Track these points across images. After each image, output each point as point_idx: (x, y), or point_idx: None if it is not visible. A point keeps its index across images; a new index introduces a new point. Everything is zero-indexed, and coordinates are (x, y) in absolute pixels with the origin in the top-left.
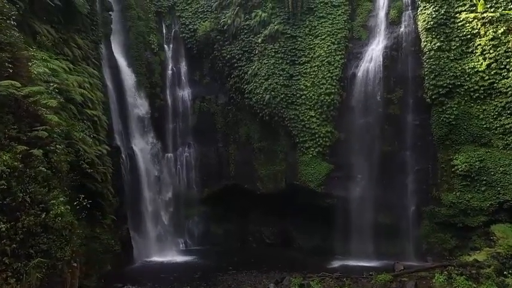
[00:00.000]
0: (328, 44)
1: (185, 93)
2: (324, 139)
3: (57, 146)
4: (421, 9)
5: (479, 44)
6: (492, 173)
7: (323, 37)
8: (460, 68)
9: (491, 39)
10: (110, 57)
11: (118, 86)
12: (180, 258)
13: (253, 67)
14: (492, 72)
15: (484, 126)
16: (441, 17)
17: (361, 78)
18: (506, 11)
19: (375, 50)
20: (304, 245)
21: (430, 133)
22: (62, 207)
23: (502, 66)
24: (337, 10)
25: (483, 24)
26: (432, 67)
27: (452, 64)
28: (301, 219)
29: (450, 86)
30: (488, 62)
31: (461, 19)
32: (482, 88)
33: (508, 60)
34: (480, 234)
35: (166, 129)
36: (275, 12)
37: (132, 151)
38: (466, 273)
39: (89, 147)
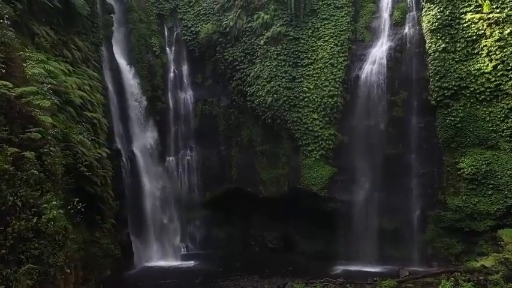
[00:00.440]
0: (331, 45)
1: (187, 95)
2: (327, 142)
3: (51, 148)
4: (426, 10)
5: (485, 45)
6: (499, 176)
7: (326, 39)
8: (465, 70)
9: (498, 40)
10: (111, 60)
11: (119, 89)
12: (181, 263)
13: (256, 69)
14: (498, 74)
15: (491, 128)
16: (446, 18)
17: (364, 80)
18: None
19: (379, 52)
20: (307, 249)
21: (435, 136)
22: (55, 211)
23: (509, 68)
24: (340, 12)
25: (489, 25)
26: (437, 69)
27: (457, 65)
28: (304, 223)
29: (455, 88)
30: (495, 64)
31: (466, 20)
32: (488, 90)
33: None
34: (487, 239)
35: (167, 132)
36: (277, 14)
37: (133, 154)
38: (473, 279)
39: (87, 150)
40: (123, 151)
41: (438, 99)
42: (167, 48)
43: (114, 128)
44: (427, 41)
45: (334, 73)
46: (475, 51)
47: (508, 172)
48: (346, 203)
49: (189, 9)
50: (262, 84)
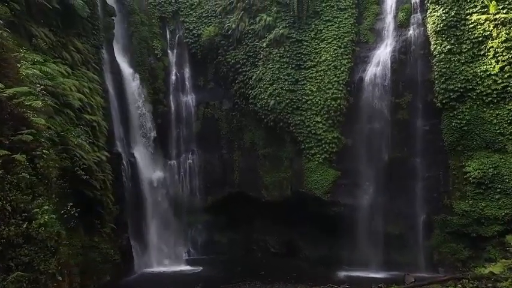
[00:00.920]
0: (335, 47)
1: (189, 98)
2: (331, 145)
3: (45, 150)
4: (430, 12)
5: (492, 47)
6: (507, 180)
7: (329, 41)
8: (471, 71)
9: (504, 41)
10: (112, 63)
11: (120, 92)
12: (182, 268)
13: (258, 72)
14: (506, 76)
15: (498, 131)
16: (451, 19)
17: (368, 82)
18: None
19: (383, 54)
20: (310, 254)
21: (441, 139)
22: (47, 216)
23: None
24: (344, 13)
25: (495, 26)
26: (442, 70)
27: (463, 67)
28: (307, 227)
29: (461, 90)
30: (502, 65)
31: (472, 21)
32: (495, 92)
33: None
34: (495, 244)
35: (169, 136)
36: (280, 16)
37: (133, 158)
38: (481, 286)
39: (86, 153)
40: (123, 154)
41: (444, 101)
42: (169, 51)
43: (114, 131)
44: (432, 43)
45: (338, 75)
46: (481, 52)
47: None
48: (350, 207)
49: (191, 12)
50: (265, 87)
